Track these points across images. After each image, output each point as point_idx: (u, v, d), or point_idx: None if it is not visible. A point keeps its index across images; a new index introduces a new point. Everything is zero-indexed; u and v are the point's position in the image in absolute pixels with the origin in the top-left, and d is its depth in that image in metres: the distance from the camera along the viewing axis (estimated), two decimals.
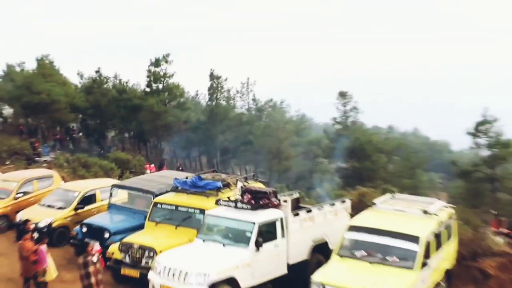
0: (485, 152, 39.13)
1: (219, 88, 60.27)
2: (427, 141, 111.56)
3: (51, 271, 15.78)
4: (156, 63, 55.32)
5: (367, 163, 49.95)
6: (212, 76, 60.77)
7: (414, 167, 53.06)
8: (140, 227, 18.05)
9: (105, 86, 57.62)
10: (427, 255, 14.80)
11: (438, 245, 15.82)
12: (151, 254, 16.18)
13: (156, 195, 18.78)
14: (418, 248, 14.51)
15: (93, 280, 14.00)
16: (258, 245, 15.32)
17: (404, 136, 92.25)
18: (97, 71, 57.65)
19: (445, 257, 16.46)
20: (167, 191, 18.91)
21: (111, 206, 20.25)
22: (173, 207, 17.97)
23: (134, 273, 15.98)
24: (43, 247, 15.68)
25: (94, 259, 14.24)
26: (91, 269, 14.00)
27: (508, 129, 42.16)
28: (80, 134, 57.46)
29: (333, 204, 18.12)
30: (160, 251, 15.88)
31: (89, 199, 21.66)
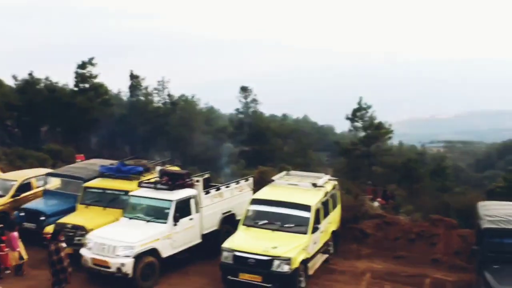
0: (362, 134, 40.17)
1: (138, 86, 59.87)
2: (315, 125, 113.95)
3: (23, 254, 15.67)
4: (82, 65, 54.72)
5: (266, 146, 50.54)
6: (132, 76, 60.28)
7: (305, 148, 53.99)
8: (73, 209, 17.55)
9: (37, 87, 56.09)
10: (317, 220, 15.16)
11: (326, 211, 16.20)
12: (83, 232, 15.80)
13: (86, 181, 18.30)
14: (310, 215, 14.82)
15: (65, 263, 13.64)
16: (176, 219, 15.30)
17: (297, 122, 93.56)
18: (29, 74, 56.09)
19: (332, 221, 16.89)
20: (95, 177, 18.47)
21: (46, 192, 19.57)
22: (101, 191, 17.63)
23: (68, 250, 15.61)
24: (15, 234, 15.45)
25: (64, 245, 13.86)
26: (62, 254, 13.63)
27: (379, 114, 43.57)
28: (16, 130, 55.62)
29: (238, 182, 18.20)
30: (91, 229, 15.54)
31: (26, 186, 20.86)
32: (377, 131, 38.83)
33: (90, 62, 55.13)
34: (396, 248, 17.92)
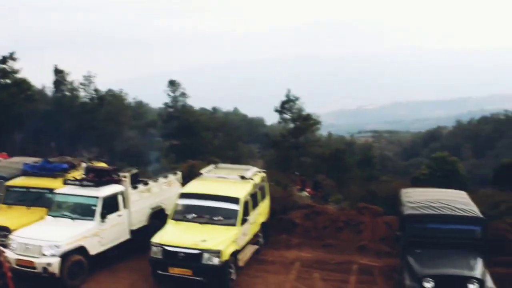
0: (291, 125, 40.57)
1: (63, 81, 58.43)
2: (245, 118, 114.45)
3: None
4: (3, 60, 52.79)
5: (196, 140, 50.39)
6: (56, 71, 58.73)
7: (235, 140, 54.17)
8: None
9: None
10: (246, 212, 15.28)
11: (255, 203, 16.35)
12: (6, 233, 15.30)
13: (8, 179, 17.71)
14: (238, 208, 14.93)
15: (5, 268, 13.08)
16: (103, 216, 15.10)
17: (226, 115, 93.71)
18: None
19: (261, 213, 17.06)
20: (18, 175, 17.90)
21: None
22: (25, 189, 17.06)
23: None
24: None
25: (1, 248, 13.33)
26: (2, 258, 13.08)
27: (308, 106, 44.19)
28: None
29: (166, 176, 18.10)
30: (14, 230, 15.08)
31: None
32: (305, 123, 39.38)
33: (11, 56, 53.24)
34: (325, 236, 18.28)
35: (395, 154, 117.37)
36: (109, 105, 57.49)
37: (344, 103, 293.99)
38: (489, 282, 12.31)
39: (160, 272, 13.98)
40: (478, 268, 12.49)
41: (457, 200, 14.59)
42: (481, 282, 12.06)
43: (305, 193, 23.63)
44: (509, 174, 31.85)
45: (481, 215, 13.83)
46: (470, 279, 12.09)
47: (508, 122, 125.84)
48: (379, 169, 48.04)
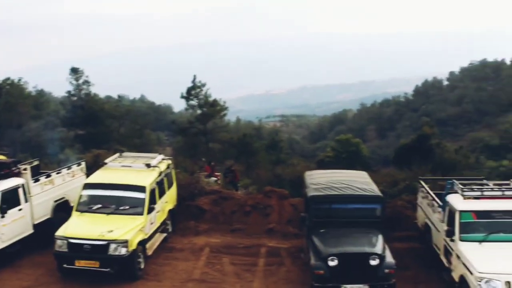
0: (198, 112, 40.40)
1: None
2: (153, 105, 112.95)
3: None
4: None
5: (101, 128, 49.25)
6: None
7: (142, 128, 53.39)
8: None
9: None
10: (153, 201, 15.20)
11: (162, 191, 16.30)
12: None
13: None
14: (145, 196, 14.83)
15: None
16: (2, 211, 14.51)
17: (133, 103, 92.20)
18: None
19: (168, 200, 17.04)
20: None
21: None
22: None
23: None
24: None
25: None
26: None
27: (215, 92, 44.23)
28: None
29: (70, 167, 17.68)
30: None
31: None
32: (212, 109, 39.33)
33: None
34: (233, 221, 18.52)
35: (302, 137, 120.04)
36: (7, 95, 54.95)
37: (253, 88, 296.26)
38: (388, 257, 12.94)
39: (66, 265, 13.68)
40: (379, 244, 13.10)
41: (358, 180, 15.21)
42: (381, 257, 12.67)
43: (213, 179, 23.69)
44: (407, 154, 33.38)
45: (380, 194, 14.51)
46: (371, 255, 12.67)
47: (407, 104, 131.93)
48: (287, 153, 48.95)
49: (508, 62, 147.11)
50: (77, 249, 13.50)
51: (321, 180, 15.27)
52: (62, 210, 16.47)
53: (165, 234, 16.51)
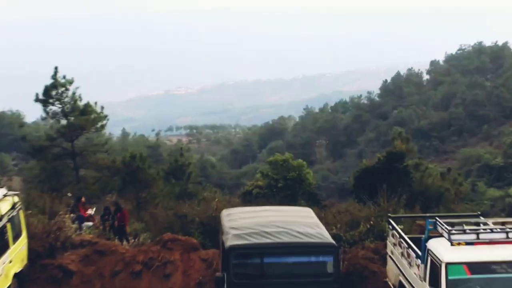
0: (63, 122, 39.46)
1: None
2: None
3: None
4: None
5: None
6: None
7: None
8: None
9: None
10: None
11: (3, 245, 15.75)
12: None
13: None
14: None
15: None
16: None
17: None
18: None
19: (14, 259, 16.46)
20: None
21: None
22: None
23: None
24: None
25: None
26: None
27: (89, 92, 43.51)
28: None
29: None
30: None
31: None
32: (83, 118, 38.29)
33: None
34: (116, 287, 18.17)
35: (221, 158, 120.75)
36: None
37: (149, 88, 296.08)
38: None
39: None
40: None
41: (300, 222, 15.25)
42: None
43: (88, 224, 23.26)
44: (372, 180, 33.78)
45: (332, 241, 14.53)
46: None
47: (372, 108, 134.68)
48: (198, 182, 48.83)
49: None
50: None
51: (246, 222, 15.24)
52: None
53: None
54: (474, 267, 13.14)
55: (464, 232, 13.75)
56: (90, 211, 24.69)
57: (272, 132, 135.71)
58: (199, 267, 18.44)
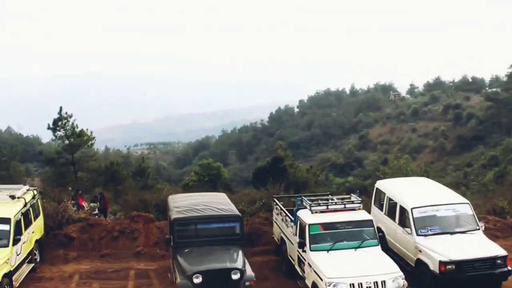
0: (66, 142, 39.11)
1: None
2: (20, 137, 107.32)
3: None
4: None
5: None
6: None
7: (9, 160, 50.09)
8: None
9: None
10: (18, 232, 14.32)
11: (28, 222, 15.40)
12: None
13: None
14: (9, 228, 13.95)
15: None
16: None
17: None
18: None
19: (35, 230, 16.09)
20: None
21: None
22: None
23: None
24: None
25: None
26: None
27: (83, 122, 42.75)
28: None
29: None
30: None
31: None
32: (79, 139, 38.07)
33: None
34: (102, 247, 17.88)
35: (169, 163, 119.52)
36: None
37: (122, 118, 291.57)
38: (249, 270, 13.23)
39: None
40: (239, 260, 13.35)
41: (217, 201, 15.42)
42: (242, 271, 12.87)
43: (94, 205, 22.89)
44: (264, 175, 34.22)
45: (238, 213, 14.82)
46: (232, 270, 12.84)
47: (264, 130, 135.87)
48: (155, 179, 48.34)
49: (347, 91, 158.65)
50: None
51: (184, 203, 15.26)
52: None
53: (32, 264, 15.53)
54: (325, 225, 13.59)
55: (319, 205, 14.21)
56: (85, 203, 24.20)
57: (201, 146, 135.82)
58: (155, 232, 18.25)
